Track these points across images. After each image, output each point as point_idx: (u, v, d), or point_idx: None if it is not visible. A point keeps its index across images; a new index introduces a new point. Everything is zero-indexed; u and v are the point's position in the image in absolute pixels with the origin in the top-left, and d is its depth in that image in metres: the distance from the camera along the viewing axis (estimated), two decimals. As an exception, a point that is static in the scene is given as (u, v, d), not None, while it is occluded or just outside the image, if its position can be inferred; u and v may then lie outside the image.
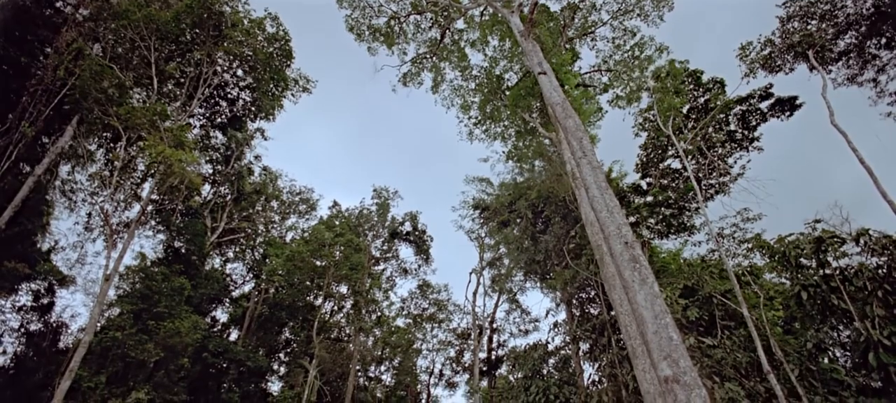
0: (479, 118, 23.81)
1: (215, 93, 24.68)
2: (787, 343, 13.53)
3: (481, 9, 21.24)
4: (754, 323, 12.76)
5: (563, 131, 11.27)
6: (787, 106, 15.90)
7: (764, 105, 16.20)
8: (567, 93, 16.29)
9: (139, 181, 18.37)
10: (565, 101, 11.95)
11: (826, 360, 12.79)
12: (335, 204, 34.01)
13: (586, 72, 22.14)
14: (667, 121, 17.03)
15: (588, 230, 10.43)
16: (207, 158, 26.14)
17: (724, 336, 14.64)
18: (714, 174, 16.67)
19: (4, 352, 18.65)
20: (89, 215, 19.85)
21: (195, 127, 24.84)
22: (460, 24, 23.21)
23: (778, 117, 16.11)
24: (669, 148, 17.61)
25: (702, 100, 17.24)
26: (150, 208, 18.56)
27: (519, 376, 26.95)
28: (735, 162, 16.56)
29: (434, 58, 23.83)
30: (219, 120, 25.96)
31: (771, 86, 15.97)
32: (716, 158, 16.33)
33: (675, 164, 17.82)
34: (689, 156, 16.71)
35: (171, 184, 16.05)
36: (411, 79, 24.68)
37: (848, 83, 16.24)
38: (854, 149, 12.43)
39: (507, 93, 20.84)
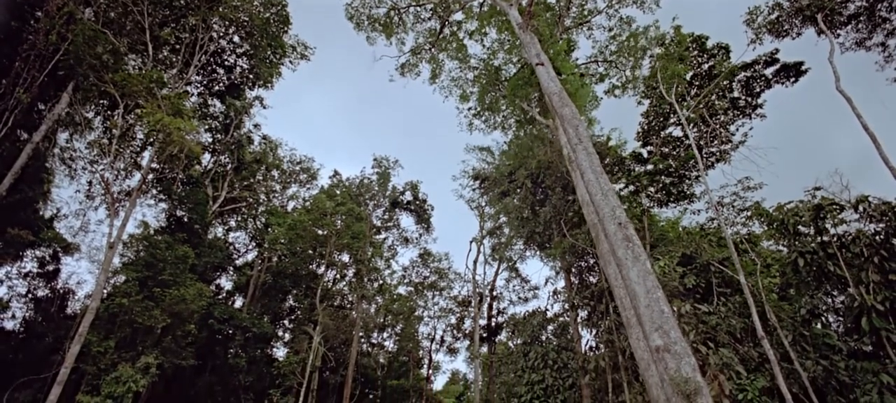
0: (478, 109, 23.97)
1: (212, 60, 24.33)
2: (782, 310, 13.73)
3: (480, 0, 21.59)
4: (750, 290, 12.91)
5: (560, 119, 11.79)
6: (793, 71, 15.63)
7: (769, 71, 15.92)
8: (564, 81, 16.33)
9: (138, 149, 18.33)
10: (562, 91, 12.46)
11: (819, 325, 13.01)
12: (336, 173, 33.97)
13: (583, 63, 22.22)
14: (670, 88, 16.79)
15: (584, 209, 10.74)
16: (206, 127, 26.00)
17: (720, 303, 14.86)
18: (715, 142, 16.55)
19: (14, 317, 19.13)
20: (90, 183, 19.92)
21: (193, 95, 24.62)
22: (459, 15, 23.31)
23: (782, 83, 15.85)
24: (671, 115, 17.43)
25: (706, 66, 16.93)
26: (150, 177, 18.60)
27: (518, 342, 27.54)
28: (737, 129, 16.42)
29: (433, 49, 23.96)
30: (216, 88, 25.68)
31: (777, 51, 15.66)
32: (718, 126, 16.19)
33: (677, 132, 17.68)
34: (691, 124, 16.55)
35: (170, 152, 16.02)
36: (409, 70, 24.66)
37: (855, 47, 15.91)
38: (858, 114, 12.29)
39: (506, 83, 20.85)
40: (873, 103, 13.69)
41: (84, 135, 18.31)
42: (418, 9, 23.48)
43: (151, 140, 15.92)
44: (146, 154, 18.54)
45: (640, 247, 8.44)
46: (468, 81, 23.77)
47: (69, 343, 16.46)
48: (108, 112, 18.49)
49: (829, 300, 13.87)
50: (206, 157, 27.44)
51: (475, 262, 34.93)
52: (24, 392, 16.79)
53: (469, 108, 24.45)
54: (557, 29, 20.89)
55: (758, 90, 16.18)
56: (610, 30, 21.16)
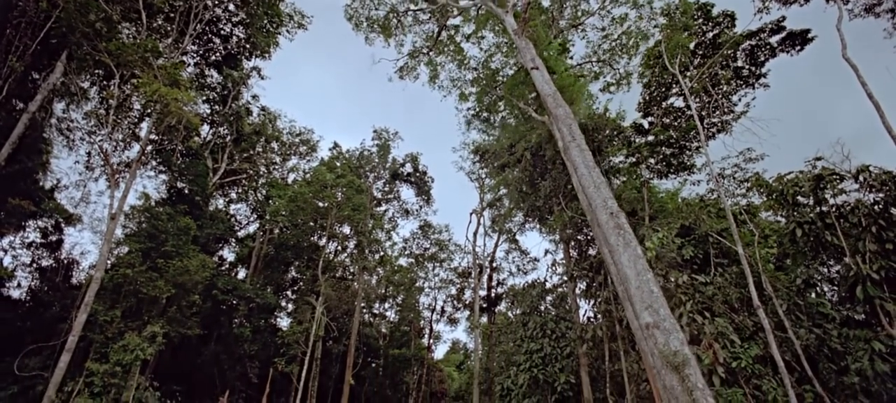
0: (477, 109, 24.47)
1: (207, 29, 23.90)
2: (778, 280, 13.86)
3: (478, 6, 21.87)
4: (748, 261, 13.01)
5: (555, 119, 12.60)
6: (799, 40, 15.31)
7: (774, 39, 15.60)
8: (558, 80, 16.62)
9: (136, 120, 18.21)
10: (556, 93, 13.26)
11: (813, 295, 13.15)
12: (336, 145, 33.85)
13: (578, 64, 22.77)
14: (674, 59, 16.52)
15: (579, 196, 11.48)
16: (204, 98, 25.77)
17: (717, 274, 15.00)
18: (717, 112, 16.36)
19: (19, 286, 19.44)
20: (89, 154, 19.88)
21: (189, 65, 24.30)
22: (457, 19, 23.88)
23: (787, 52, 15.55)
24: (673, 86, 17.19)
25: (710, 35, 16.60)
26: (149, 148, 18.55)
27: (517, 312, 27.96)
28: (739, 99, 16.21)
29: (431, 53, 24.32)
30: (213, 58, 25.34)
31: (783, 19, 15.31)
32: (720, 96, 15.98)
33: (679, 103, 17.47)
34: (693, 95, 16.34)
35: (168, 123, 15.94)
36: (408, 73, 24.91)
37: (864, 14, 15.52)
38: (863, 82, 12.10)
39: (504, 83, 21.36)
40: (879, 71, 13.46)
41: (81, 106, 18.17)
42: (417, 12, 23.78)
43: (149, 111, 15.83)
44: (144, 125, 18.45)
45: (631, 234, 9.14)
46: (467, 82, 24.24)
47: (76, 312, 16.75)
48: (104, 82, 18.30)
49: (825, 270, 13.97)
50: (205, 129, 27.31)
51: (475, 234, 35.17)
52: (35, 358, 17.19)
53: (468, 108, 24.98)
54: (552, 31, 21.32)
55: (762, 59, 15.90)
56: (603, 30, 21.82)
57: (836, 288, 13.78)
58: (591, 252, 21.18)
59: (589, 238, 21.82)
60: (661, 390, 7.41)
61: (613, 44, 21.41)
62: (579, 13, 22.70)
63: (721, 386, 11.73)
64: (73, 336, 15.75)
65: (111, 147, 16.22)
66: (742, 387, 12.13)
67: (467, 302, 39.91)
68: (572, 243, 22.53)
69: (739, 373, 12.13)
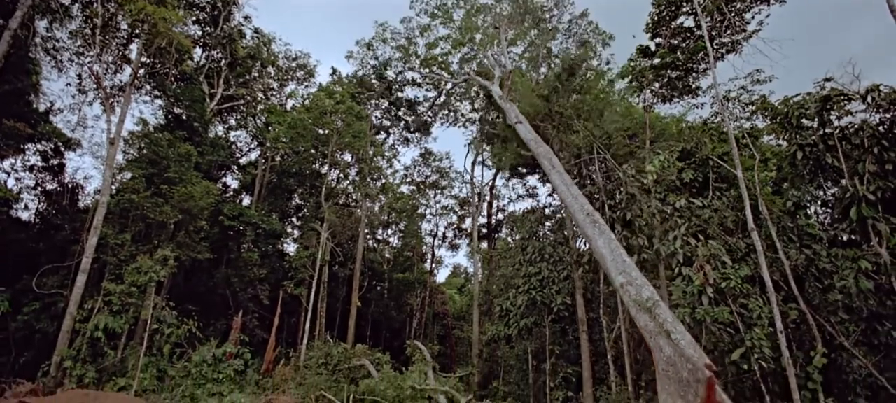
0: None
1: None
2: (773, 203, 13.97)
3: (468, 80, 28.73)
4: (746, 185, 13.02)
5: (537, 155, 15.84)
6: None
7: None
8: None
9: (125, 41, 17.62)
10: (537, 138, 16.64)
11: (803, 217, 13.27)
12: (335, 71, 32.98)
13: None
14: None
15: (563, 203, 14.46)
16: (194, 18, 24.74)
17: (715, 197, 15.09)
18: (728, 31, 15.60)
19: (27, 208, 19.93)
20: (80, 77, 19.46)
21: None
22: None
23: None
24: (684, 4, 16.28)
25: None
26: (141, 71, 18.12)
27: (517, 238, 28.61)
28: (752, 16, 15.38)
29: (429, 113, 34.60)
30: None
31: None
32: (732, 13, 15.16)
33: (689, 23, 16.64)
34: (705, 12, 15.51)
35: (158, 45, 15.44)
36: None
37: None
38: (886, -3, 11.37)
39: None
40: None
41: (65, 25, 17.49)
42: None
43: (137, 31, 15.25)
44: (134, 47, 17.86)
45: (604, 224, 11.71)
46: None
47: (86, 235, 17.28)
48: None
49: (821, 192, 14.02)
50: (198, 53, 26.50)
51: (473, 164, 35.13)
52: (52, 277, 17.99)
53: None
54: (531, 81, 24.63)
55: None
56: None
57: (829, 210, 13.90)
58: (588, 184, 21.20)
59: (589, 171, 21.84)
60: (641, 329, 9.15)
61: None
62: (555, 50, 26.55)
63: (708, 305, 12.21)
64: (86, 258, 16.39)
65: (102, 69, 15.85)
66: (729, 306, 12.62)
67: (468, 230, 40.75)
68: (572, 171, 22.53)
69: (728, 293, 12.56)
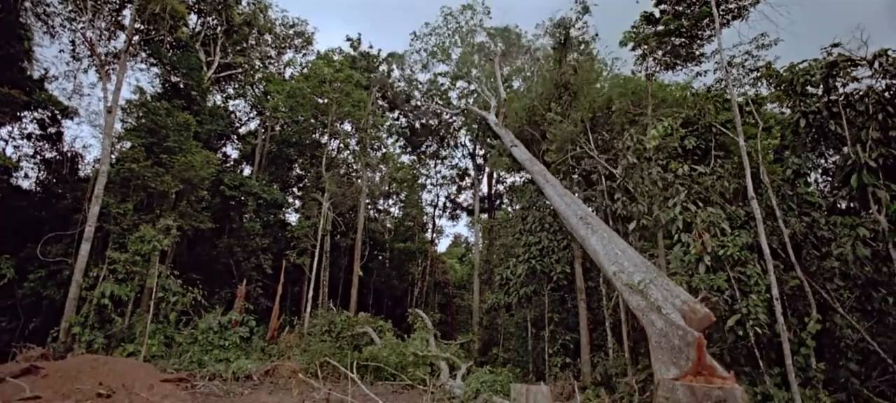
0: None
1: None
2: (775, 172, 13.90)
3: (465, 112, 32.30)
4: (748, 152, 12.93)
5: (532, 173, 17.72)
6: None
7: None
8: None
9: (117, 7, 17.24)
10: (532, 158, 18.47)
11: (802, 184, 13.22)
12: (341, 50, 32.77)
13: None
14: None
15: (558, 211, 15.28)
16: (187, -17, 24.10)
17: (717, 165, 15.01)
18: (736, -6, 15.18)
19: (27, 177, 19.99)
20: (73, 43, 19.12)
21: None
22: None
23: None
24: (693, -34, 15.78)
25: None
26: (136, 38, 17.78)
27: (517, 207, 28.69)
28: (761, -21, 14.92)
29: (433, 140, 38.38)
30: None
31: None
32: (741, -25, 14.73)
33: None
34: (714, -25, 15.05)
35: (152, 10, 15.11)
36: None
37: None
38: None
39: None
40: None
41: (53, -13, 17.03)
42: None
43: (130, -4, 14.91)
44: (127, 12, 17.48)
45: (596, 224, 12.68)
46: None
47: (88, 203, 17.37)
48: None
49: (822, 160, 13.93)
50: (193, 19, 25.97)
51: (475, 139, 34.94)
52: (56, 245, 18.20)
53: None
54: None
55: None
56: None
57: (829, 178, 13.84)
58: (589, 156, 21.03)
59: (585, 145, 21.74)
60: (634, 309, 9.77)
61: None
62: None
63: (705, 274, 12.31)
64: (89, 227, 16.53)
65: (95, 36, 15.56)
66: (726, 272, 12.72)
67: (467, 206, 40.81)
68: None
69: (725, 260, 12.64)
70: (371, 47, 34.31)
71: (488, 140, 30.59)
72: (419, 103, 35.30)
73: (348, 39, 33.27)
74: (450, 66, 32.63)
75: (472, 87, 31.35)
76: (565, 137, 19.28)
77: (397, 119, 36.50)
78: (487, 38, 30.16)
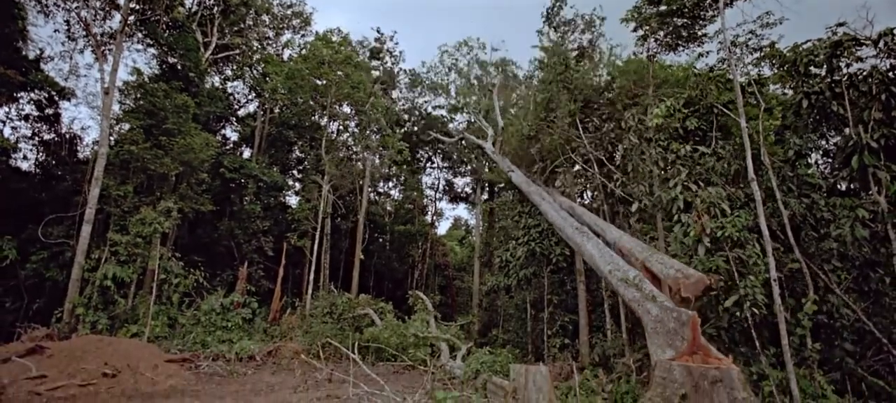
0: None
1: None
2: (775, 153, 13.84)
3: (463, 140, 33.47)
4: (749, 134, 12.86)
5: (527, 194, 18.80)
6: None
7: None
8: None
9: (111, -16, 16.96)
10: (527, 180, 19.49)
11: (804, 166, 13.17)
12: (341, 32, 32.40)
13: None
14: None
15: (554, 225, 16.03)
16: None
17: (718, 146, 14.95)
18: (741, -28, 14.91)
19: (26, 158, 19.95)
20: (68, 23, 18.87)
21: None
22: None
23: None
24: (697, -57, 15.47)
25: None
26: (131, 18, 17.54)
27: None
28: (767, -44, 14.65)
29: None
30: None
31: None
32: (747, -48, 14.44)
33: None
34: (719, -48, 14.77)
35: (147, -10, 14.87)
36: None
37: None
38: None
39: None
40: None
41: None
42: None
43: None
44: (122, -9, 17.24)
45: (590, 232, 13.44)
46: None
47: (87, 186, 17.37)
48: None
49: (823, 141, 13.85)
50: (189, -1, 25.60)
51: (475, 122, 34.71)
52: (57, 227, 18.25)
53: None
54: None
55: None
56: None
57: (830, 159, 13.78)
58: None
59: (585, 127, 21.65)
60: (629, 302, 10.01)
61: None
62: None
63: (705, 255, 12.35)
64: (90, 209, 16.57)
65: (90, 15, 15.35)
66: (725, 253, 12.77)
67: (466, 195, 40.75)
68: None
69: (724, 241, 12.67)
70: (393, 38, 35.41)
71: (485, 163, 32.22)
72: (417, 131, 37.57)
73: (374, 30, 34.08)
74: (448, 100, 34.99)
75: (471, 118, 32.56)
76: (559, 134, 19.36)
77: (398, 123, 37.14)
78: (483, 71, 32.54)
